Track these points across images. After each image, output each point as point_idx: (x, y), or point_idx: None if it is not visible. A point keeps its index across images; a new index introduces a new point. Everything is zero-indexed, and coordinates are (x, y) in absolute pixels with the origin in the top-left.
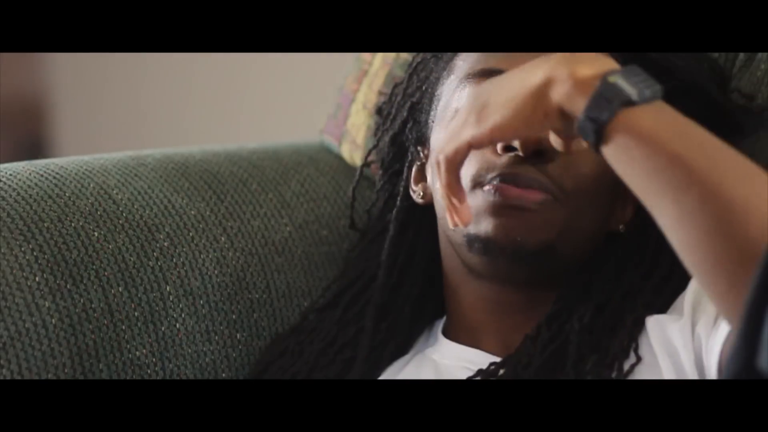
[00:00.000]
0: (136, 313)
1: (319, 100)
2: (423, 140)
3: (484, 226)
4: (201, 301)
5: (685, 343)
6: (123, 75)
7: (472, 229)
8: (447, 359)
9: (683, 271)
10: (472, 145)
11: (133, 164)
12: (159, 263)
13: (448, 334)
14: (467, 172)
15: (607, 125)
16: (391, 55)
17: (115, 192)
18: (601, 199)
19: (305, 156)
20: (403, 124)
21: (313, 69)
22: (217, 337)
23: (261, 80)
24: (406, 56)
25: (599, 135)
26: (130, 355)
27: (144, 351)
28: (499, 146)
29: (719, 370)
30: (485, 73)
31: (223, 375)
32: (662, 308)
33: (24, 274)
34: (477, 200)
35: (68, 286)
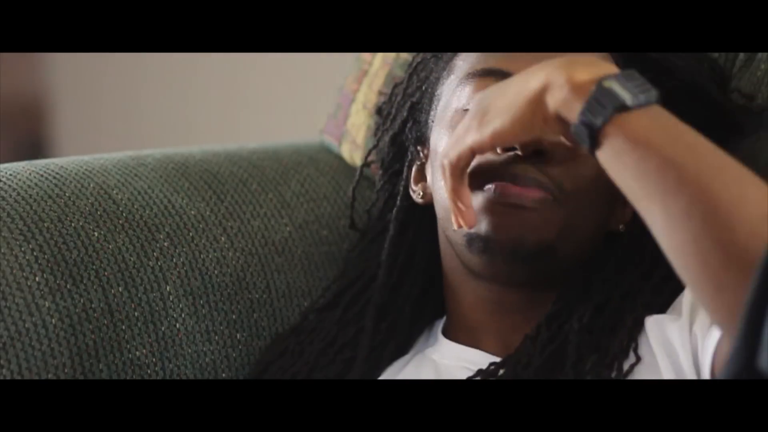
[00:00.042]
0: (136, 313)
1: (319, 100)
2: (423, 140)
3: (484, 225)
4: (201, 301)
5: (683, 342)
6: (123, 75)
7: (472, 228)
8: (447, 359)
9: None
10: (474, 151)
11: (133, 164)
12: (159, 263)
13: (448, 334)
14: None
15: (601, 130)
16: (391, 55)
17: (115, 192)
18: (600, 198)
19: (305, 156)
20: (403, 124)
21: (313, 69)
22: (217, 337)
23: (261, 80)
24: (406, 56)
25: (594, 140)
26: (130, 355)
27: (144, 351)
28: None
29: (712, 371)
30: (485, 73)
31: (223, 375)
32: (662, 308)
33: (24, 274)
34: (477, 199)
35: (68, 286)
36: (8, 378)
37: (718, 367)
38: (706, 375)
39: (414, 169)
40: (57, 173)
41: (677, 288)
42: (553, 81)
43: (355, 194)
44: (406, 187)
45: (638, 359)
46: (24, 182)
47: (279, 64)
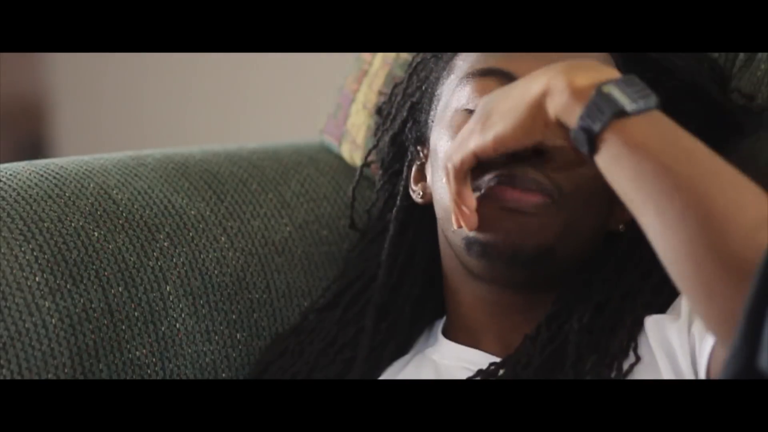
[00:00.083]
0: (136, 313)
1: (319, 100)
2: (423, 140)
3: (482, 231)
4: (201, 301)
5: (681, 343)
6: (123, 75)
7: (471, 232)
8: (447, 359)
9: None
10: (477, 155)
11: (133, 164)
12: (159, 263)
13: (448, 334)
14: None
15: (599, 135)
16: (391, 55)
17: (115, 192)
18: (600, 199)
19: (305, 156)
20: (403, 124)
21: (313, 69)
22: (217, 337)
23: (261, 80)
24: (406, 56)
25: (592, 145)
26: (130, 355)
27: (144, 351)
28: None
29: (707, 374)
30: (485, 73)
31: (223, 375)
32: (661, 308)
33: (24, 274)
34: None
35: (68, 286)
36: (8, 378)
37: (713, 371)
38: (701, 377)
39: (414, 169)
40: (57, 173)
41: (677, 288)
42: (553, 86)
43: (355, 194)
44: (406, 187)
45: (638, 359)
46: (24, 182)
47: (279, 64)
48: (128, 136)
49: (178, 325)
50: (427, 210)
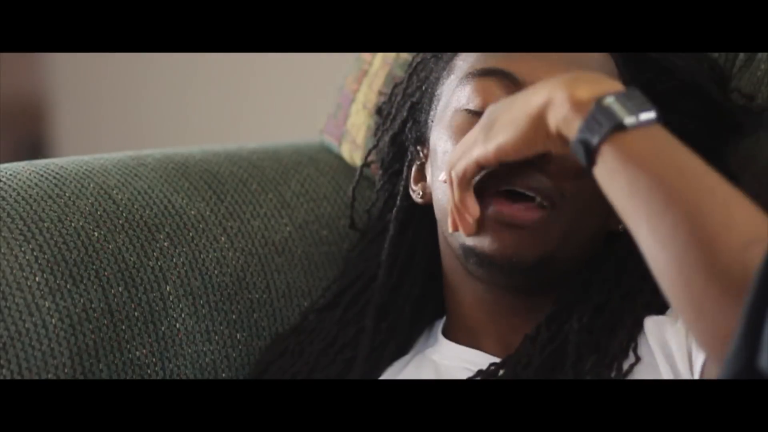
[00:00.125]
0: (136, 313)
1: (319, 100)
2: (423, 140)
3: (479, 241)
4: (201, 301)
5: (679, 347)
6: (123, 75)
7: (468, 241)
8: (447, 360)
9: None
10: (479, 164)
11: (133, 164)
12: (159, 263)
13: (448, 334)
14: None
15: (597, 148)
16: (391, 55)
17: (115, 192)
18: (601, 199)
19: (305, 156)
20: (403, 124)
21: (313, 69)
22: (217, 337)
23: (261, 80)
24: (406, 56)
25: (590, 157)
26: (130, 355)
27: (144, 351)
28: None
29: (701, 376)
30: (485, 73)
31: (223, 375)
32: (661, 309)
33: (24, 274)
34: None
35: (68, 286)
36: (8, 378)
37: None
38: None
39: (414, 168)
40: (57, 173)
41: None
42: (554, 98)
43: (355, 194)
44: (406, 187)
45: (638, 359)
46: (24, 182)
47: (279, 64)
48: (128, 136)
49: (178, 325)
50: (427, 210)
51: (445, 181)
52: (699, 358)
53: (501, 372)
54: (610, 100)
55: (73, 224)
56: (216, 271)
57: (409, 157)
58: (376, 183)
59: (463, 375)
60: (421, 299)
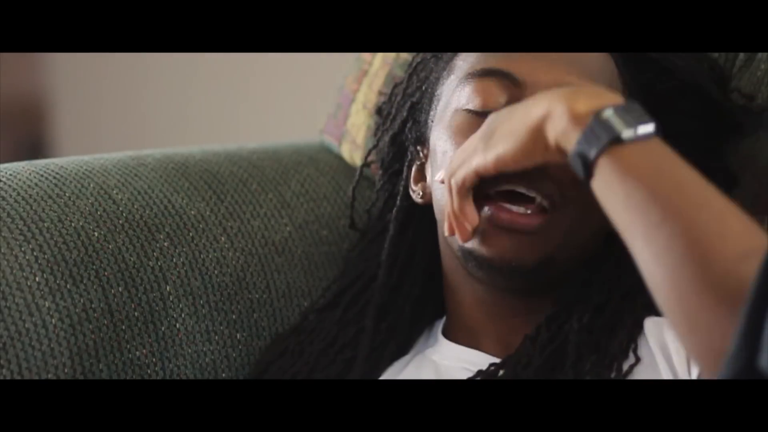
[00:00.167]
0: (136, 313)
1: (319, 100)
2: (423, 140)
3: (478, 245)
4: (201, 301)
5: (677, 349)
6: (123, 75)
7: (467, 244)
8: (447, 360)
9: None
10: (478, 173)
11: (133, 164)
12: (159, 263)
13: (448, 334)
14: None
15: (594, 161)
16: (391, 55)
17: (115, 192)
18: None
19: (305, 156)
20: (403, 124)
21: (313, 69)
22: (217, 337)
23: (261, 80)
24: (406, 56)
25: (588, 170)
26: (130, 355)
27: (144, 351)
28: None
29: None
30: (485, 73)
31: (223, 375)
32: None
33: (24, 274)
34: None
35: (68, 286)
36: (8, 378)
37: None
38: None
39: (414, 168)
40: (57, 173)
41: None
42: (553, 110)
43: (355, 194)
44: (406, 187)
45: (637, 360)
46: (24, 182)
47: (279, 64)
48: (128, 136)
49: (178, 325)
50: (427, 210)
51: (442, 182)
52: (695, 368)
53: (501, 372)
54: (608, 113)
55: (73, 224)
56: (216, 271)
57: (409, 157)
58: (376, 183)
59: (463, 375)
60: (421, 299)
